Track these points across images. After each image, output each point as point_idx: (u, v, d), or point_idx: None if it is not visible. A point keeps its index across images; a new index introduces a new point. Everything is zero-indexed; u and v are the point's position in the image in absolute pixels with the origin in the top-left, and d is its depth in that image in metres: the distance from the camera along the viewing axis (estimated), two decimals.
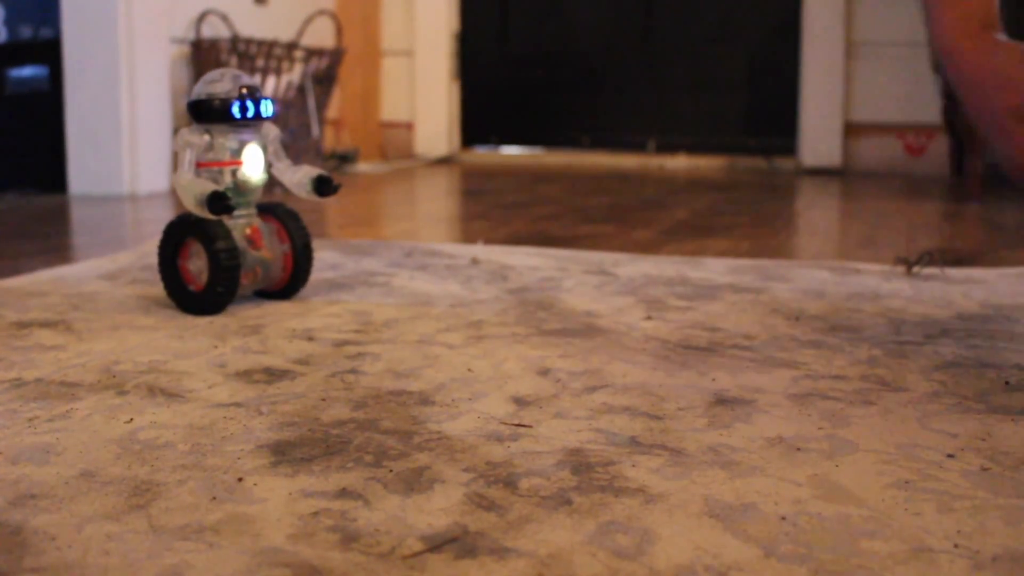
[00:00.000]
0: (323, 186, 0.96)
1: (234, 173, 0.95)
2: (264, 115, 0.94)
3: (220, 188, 0.91)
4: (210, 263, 0.91)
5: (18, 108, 2.35)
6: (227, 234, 0.92)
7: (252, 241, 0.96)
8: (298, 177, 0.97)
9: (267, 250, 0.97)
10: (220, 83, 0.93)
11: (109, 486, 0.51)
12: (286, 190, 0.99)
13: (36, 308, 0.95)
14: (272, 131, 0.98)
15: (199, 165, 0.94)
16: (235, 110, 0.92)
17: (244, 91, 0.93)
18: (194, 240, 0.93)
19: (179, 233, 0.94)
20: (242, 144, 0.95)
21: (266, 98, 0.95)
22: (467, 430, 0.60)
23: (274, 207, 0.99)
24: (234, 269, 0.92)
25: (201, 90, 0.93)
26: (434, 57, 3.35)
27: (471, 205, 2.06)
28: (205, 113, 0.93)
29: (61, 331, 0.86)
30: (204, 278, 0.93)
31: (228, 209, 0.91)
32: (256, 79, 2.34)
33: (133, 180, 2.19)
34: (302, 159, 2.43)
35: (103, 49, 2.15)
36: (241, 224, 0.95)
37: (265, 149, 0.97)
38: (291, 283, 0.99)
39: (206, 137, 0.93)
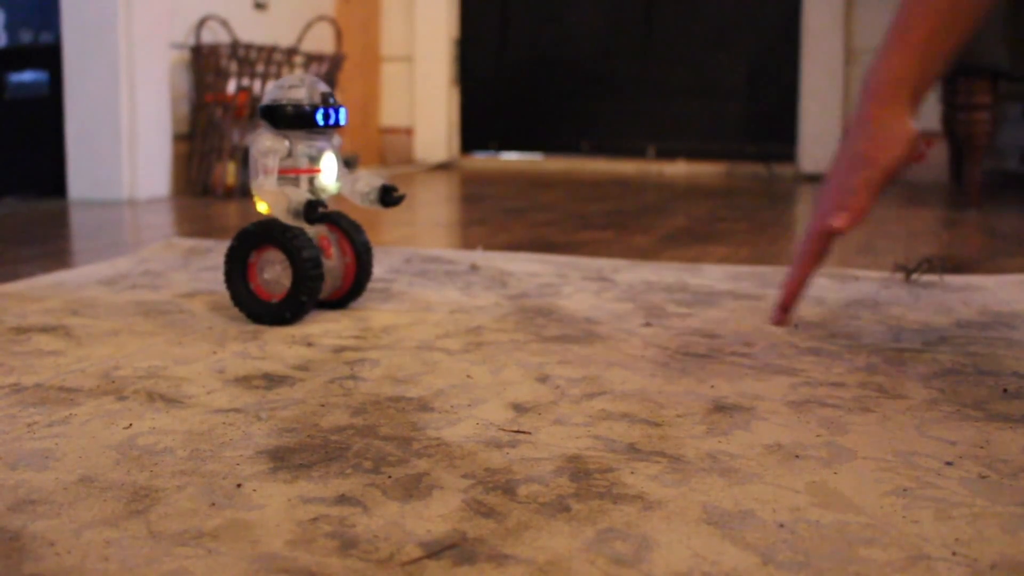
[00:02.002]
0: (388, 196, 0.95)
1: (311, 181, 0.93)
2: (342, 123, 0.93)
3: (311, 197, 0.90)
4: (296, 272, 0.90)
5: (18, 113, 2.35)
6: (311, 243, 0.90)
7: (323, 250, 0.95)
8: (360, 186, 0.95)
9: (334, 259, 0.96)
10: (300, 88, 0.91)
11: (108, 492, 0.51)
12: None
13: (35, 313, 0.95)
14: (336, 139, 0.96)
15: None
16: (319, 117, 0.91)
17: (324, 98, 0.92)
18: (269, 248, 0.91)
19: (254, 242, 0.92)
20: (320, 152, 0.93)
21: (342, 106, 0.94)
22: (466, 436, 0.60)
23: (337, 217, 0.97)
24: (319, 279, 0.90)
25: (279, 95, 0.91)
26: (434, 63, 3.35)
27: (470, 211, 2.06)
28: (284, 119, 0.91)
29: (60, 336, 0.86)
30: (281, 287, 0.91)
31: (324, 218, 0.90)
32: (258, 84, 2.34)
33: (132, 185, 2.19)
34: None
35: (103, 54, 2.15)
36: (313, 233, 0.94)
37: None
38: (349, 293, 0.99)
39: (286, 143, 0.91)
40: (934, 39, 0.86)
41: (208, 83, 2.31)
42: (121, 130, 2.16)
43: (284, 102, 0.91)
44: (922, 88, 0.86)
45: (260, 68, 2.34)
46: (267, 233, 0.91)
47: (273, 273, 0.92)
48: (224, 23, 2.41)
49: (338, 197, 0.98)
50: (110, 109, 2.16)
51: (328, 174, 0.94)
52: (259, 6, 2.64)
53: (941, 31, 0.86)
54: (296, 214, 0.90)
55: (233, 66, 2.31)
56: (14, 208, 2.00)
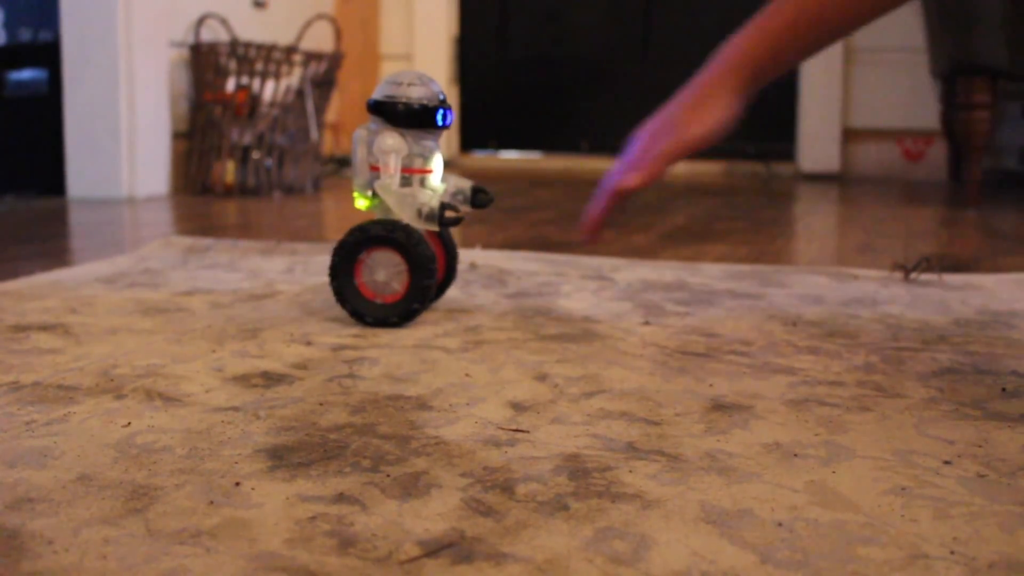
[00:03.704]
0: (477, 197, 0.95)
1: (422, 182, 0.91)
2: (451, 124, 0.91)
3: (441, 200, 0.89)
4: (415, 278, 0.89)
5: (17, 111, 2.35)
6: (432, 251, 0.89)
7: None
8: (448, 188, 0.94)
9: None
10: (417, 87, 0.88)
11: (106, 490, 0.51)
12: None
13: (34, 311, 0.95)
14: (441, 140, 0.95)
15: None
16: (439, 117, 0.89)
17: (440, 97, 0.89)
18: (384, 249, 0.90)
19: (371, 241, 0.90)
20: (431, 152, 0.91)
21: (450, 108, 0.91)
22: (464, 435, 0.60)
23: None
24: (432, 288, 0.90)
25: (395, 92, 0.88)
26: (433, 61, 3.35)
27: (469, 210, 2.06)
28: (399, 116, 0.88)
29: (59, 334, 0.86)
30: (390, 289, 0.90)
31: (459, 220, 0.89)
32: (257, 83, 2.34)
33: (131, 184, 2.19)
34: (301, 162, 2.43)
35: (102, 52, 2.15)
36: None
37: None
38: (443, 284, 0.98)
39: (405, 143, 0.89)
40: (791, 32, 0.88)
41: (207, 81, 2.31)
42: (120, 128, 2.16)
43: (402, 99, 0.88)
44: (764, 76, 0.89)
45: (259, 67, 2.33)
46: (389, 233, 0.89)
47: (385, 274, 0.90)
48: (223, 21, 2.40)
49: None
50: (109, 107, 2.16)
51: (438, 175, 0.92)
52: (258, 4, 2.64)
53: (801, 26, 0.88)
54: (429, 217, 0.89)
55: (232, 64, 2.31)
56: (13, 206, 2.00)
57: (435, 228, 0.90)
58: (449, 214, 0.91)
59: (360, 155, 0.91)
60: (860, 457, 0.57)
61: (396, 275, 0.90)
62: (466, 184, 0.95)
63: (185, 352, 0.80)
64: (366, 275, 0.91)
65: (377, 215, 0.92)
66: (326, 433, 0.60)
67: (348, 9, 3.14)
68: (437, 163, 0.92)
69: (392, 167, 0.89)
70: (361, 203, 0.92)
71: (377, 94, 0.89)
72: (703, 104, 0.88)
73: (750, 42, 0.89)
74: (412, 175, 0.90)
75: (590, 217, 0.90)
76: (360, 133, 0.91)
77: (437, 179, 0.92)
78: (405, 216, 0.90)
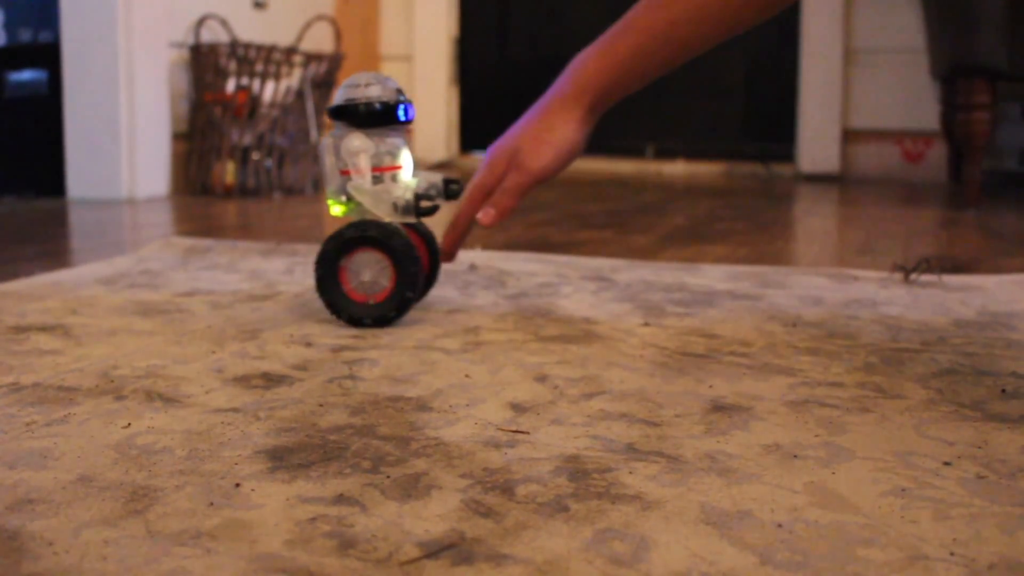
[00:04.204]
0: (451, 187, 0.95)
1: (393, 178, 0.92)
2: (413, 118, 0.92)
3: (415, 191, 0.90)
4: (399, 268, 0.89)
5: (17, 112, 2.35)
6: (409, 239, 0.90)
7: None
8: (421, 182, 0.94)
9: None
10: (374, 86, 0.89)
11: (106, 491, 0.51)
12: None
13: (34, 312, 0.95)
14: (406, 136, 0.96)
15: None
16: (400, 113, 0.90)
17: (399, 94, 0.90)
18: (362, 250, 0.90)
19: (351, 244, 0.90)
20: (398, 148, 0.92)
21: (411, 102, 0.92)
22: (464, 436, 0.60)
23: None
24: (420, 274, 0.90)
25: (354, 95, 0.89)
26: (433, 62, 3.35)
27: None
28: (361, 117, 0.89)
29: (59, 335, 0.86)
30: (379, 287, 0.90)
31: (435, 210, 0.90)
32: (257, 84, 2.34)
33: (132, 184, 2.19)
34: (301, 163, 2.43)
35: (102, 53, 2.15)
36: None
37: None
38: (424, 287, 0.99)
39: (372, 142, 0.90)
40: (638, 56, 0.88)
41: (207, 82, 2.31)
42: (120, 129, 2.16)
43: (361, 100, 0.89)
44: (610, 100, 0.90)
45: (259, 67, 2.33)
46: (363, 233, 0.90)
47: (371, 274, 0.91)
48: (223, 22, 2.41)
49: None
50: (109, 108, 2.16)
51: (408, 169, 0.93)
52: (258, 5, 2.64)
53: (648, 51, 0.88)
54: (405, 210, 0.90)
55: (232, 65, 2.31)
56: (13, 207, 2.00)
57: (412, 219, 0.91)
58: (425, 204, 0.91)
59: (329, 162, 0.92)
60: (860, 458, 0.57)
61: (381, 271, 0.90)
62: (437, 178, 0.95)
63: (185, 353, 0.80)
64: (352, 280, 0.91)
65: (354, 219, 0.92)
66: (326, 434, 0.60)
67: (348, 10, 3.15)
68: (406, 159, 0.93)
69: (363, 167, 0.90)
70: (336, 210, 0.93)
71: (337, 99, 0.90)
72: (549, 131, 0.89)
73: (595, 67, 0.89)
74: (383, 173, 0.91)
75: (447, 244, 0.95)
76: (326, 141, 0.92)
77: (408, 174, 0.93)
78: (381, 212, 0.91)
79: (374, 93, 0.89)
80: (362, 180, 0.90)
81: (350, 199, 0.92)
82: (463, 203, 0.92)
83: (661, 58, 0.88)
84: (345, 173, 0.91)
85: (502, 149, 0.90)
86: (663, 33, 0.87)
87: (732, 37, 0.88)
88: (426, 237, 0.98)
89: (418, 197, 0.90)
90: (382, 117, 0.89)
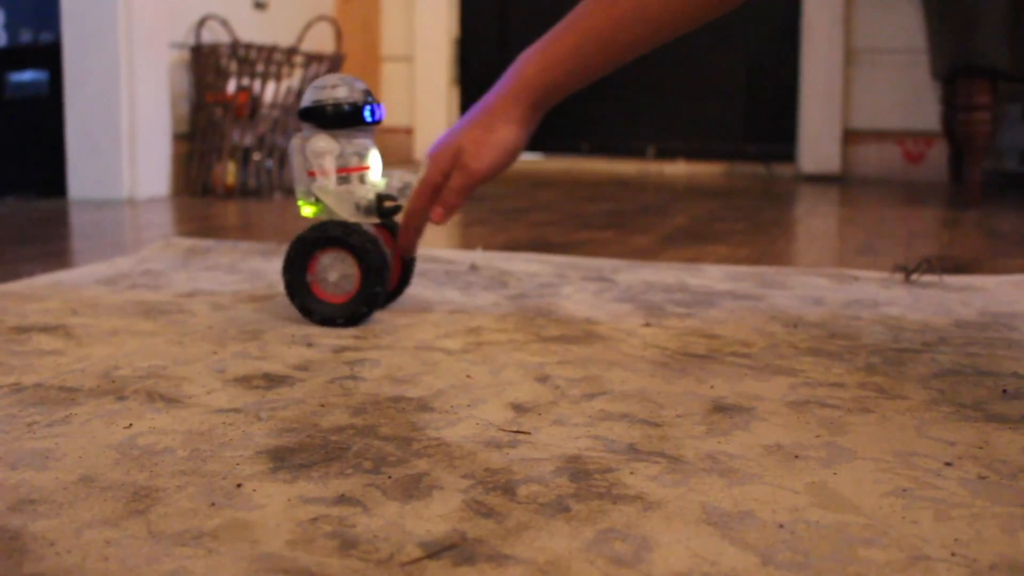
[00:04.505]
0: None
1: (361, 179, 0.92)
2: (383, 118, 0.93)
3: (378, 191, 0.91)
4: (364, 264, 0.90)
5: (18, 112, 2.35)
6: (372, 234, 0.91)
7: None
8: (393, 183, 0.95)
9: (387, 254, 0.96)
10: (340, 88, 0.90)
11: (108, 491, 0.51)
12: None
13: (35, 313, 0.95)
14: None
15: None
16: (367, 113, 0.90)
17: (365, 95, 0.91)
18: (328, 251, 0.91)
19: (314, 245, 0.91)
20: (365, 149, 0.92)
21: (380, 103, 0.93)
22: (466, 437, 0.60)
23: None
24: (387, 267, 0.90)
25: (321, 96, 0.90)
26: (434, 63, 3.35)
27: (470, 211, 2.06)
28: (328, 118, 0.90)
29: (60, 336, 0.86)
30: (349, 285, 0.91)
31: (397, 209, 0.90)
32: (258, 84, 2.34)
33: (132, 185, 2.19)
34: None
35: (103, 54, 2.15)
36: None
37: None
38: (394, 292, 0.99)
39: (338, 143, 0.91)
40: (580, 56, 0.89)
41: (208, 83, 2.31)
42: (121, 130, 2.17)
43: (328, 102, 0.90)
44: (551, 100, 0.91)
45: (260, 68, 2.34)
46: (345, 235, 0.90)
47: (337, 273, 0.91)
48: (224, 23, 2.41)
49: None
50: (110, 109, 2.16)
51: (376, 170, 0.94)
52: (259, 6, 2.64)
53: (590, 51, 0.88)
54: (368, 210, 0.91)
55: (233, 66, 2.31)
56: (14, 208, 2.01)
57: (375, 220, 0.92)
58: (388, 204, 0.92)
59: (298, 163, 0.92)
60: (861, 459, 0.57)
61: (347, 277, 0.91)
62: (412, 177, 0.96)
63: (186, 354, 0.80)
64: (319, 273, 0.92)
65: (323, 219, 0.93)
66: (327, 435, 0.61)
67: (349, 10, 3.15)
68: (374, 159, 0.93)
69: (328, 168, 0.91)
70: (307, 211, 0.94)
71: (305, 101, 0.91)
72: (490, 132, 0.90)
73: (536, 66, 0.90)
74: (350, 174, 0.92)
75: (404, 241, 0.95)
76: (295, 142, 0.93)
77: (376, 175, 0.94)
78: (345, 213, 0.91)
79: (341, 94, 0.90)
80: (326, 181, 0.91)
81: (319, 200, 0.93)
82: (412, 201, 0.92)
83: (603, 58, 0.89)
84: (313, 174, 0.92)
85: (446, 147, 0.91)
86: (605, 34, 0.87)
87: (674, 39, 0.88)
88: (393, 231, 0.98)
89: (380, 197, 0.91)
90: (349, 118, 0.90)
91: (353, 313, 0.90)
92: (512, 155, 0.91)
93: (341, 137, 0.91)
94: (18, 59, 2.37)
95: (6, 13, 2.50)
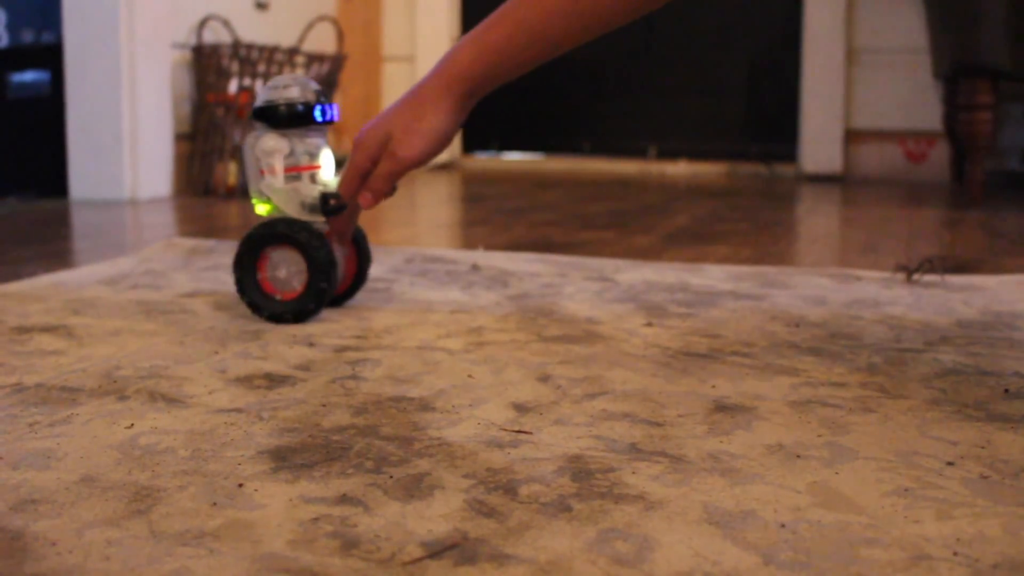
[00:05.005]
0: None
1: (312, 177, 0.94)
2: (336, 118, 0.94)
3: (322, 189, 0.92)
4: (310, 262, 0.91)
5: (20, 113, 2.36)
6: (320, 232, 0.92)
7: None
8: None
9: (337, 253, 0.96)
10: (292, 88, 0.91)
11: (110, 491, 0.51)
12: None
13: (37, 313, 0.95)
14: (327, 136, 0.97)
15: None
16: (317, 113, 0.91)
17: (318, 95, 0.92)
18: (277, 247, 0.92)
19: (262, 242, 0.92)
20: (317, 148, 0.94)
21: (334, 102, 0.95)
22: (467, 436, 0.60)
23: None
24: (334, 265, 0.91)
25: (273, 95, 0.91)
26: (435, 63, 3.35)
27: (472, 211, 2.06)
28: (280, 118, 0.91)
29: (62, 336, 0.86)
30: (296, 283, 0.92)
31: (342, 208, 0.91)
32: (259, 85, 2.34)
33: (134, 185, 2.19)
34: None
35: (105, 54, 2.15)
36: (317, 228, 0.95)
37: None
38: (349, 289, 1.00)
39: (287, 143, 0.92)
40: (511, 48, 0.89)
41: (210, 83, 2.31)
42: (122, 130, 2.17)
43: (280, 102, 0.91)
44: (482, 89, 0.92)
45: (262, 68, 2.34)
46: (274, 231, 0.91)
47: (286, 270, 0.92)
48: (226, 23, 2.41)
49: None
50: (111, 109, 2.16)
51: (327, 169, 0.95)
52: (260, 6, 2.64)
53: (521, 43, 0.89)
54: (312, 208, 0.92)
55: (235, 66, 2.31)
56: (15, 208, 2.01)
57: (320, 218, 0.93)
58: (333, 202, 0.92)
59: (250, 162, 0.93)
60: (863, 458, 0.57)
61: (296, 274, 0.92)
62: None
63: (188, 354, 0.80)
64: (269, 270, 0.93)
65: (275, 217, 0.94)
66: (329, 434, 0.61)
67: (350, 11, 3.15)
68: (325, 158, 0.95)
69: (276, 167, 0.92)
70: (261, 209, 0.95)
71: (258, 100, 0.92)
72: (418, 121, 0.91)
73: (467, 56, 0.90)
74: (301, 173, 0.93)
75: (337, 227, 0.95)
76: (248, 141, 0.94)
77: (328, 173, 0.95)
78: (291, 211, 0.92)
79: (293, 94, 0.91)
80: (273, 179, 0.92)
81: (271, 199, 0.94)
82: (341, 186, 0.93)
83: (534, 51, 0.89)
84: (264, 173, 0.93)
85: (374, 132, 0.92)
86: (536, 26, 0.88)
87: (604, 33, 0.89)
88: (359, 243, 0.99)
89: (325, 196, 0.92)
90: (301, 118, 0.91)
91: (301, 310, 0.91)
92: (441, 143, 0.92)
93: (293, 136, 0.92)
94: (20, 59, 2.37)
95: (8, 13, 2.50)
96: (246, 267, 0.93)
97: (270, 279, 0.93)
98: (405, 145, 0.90)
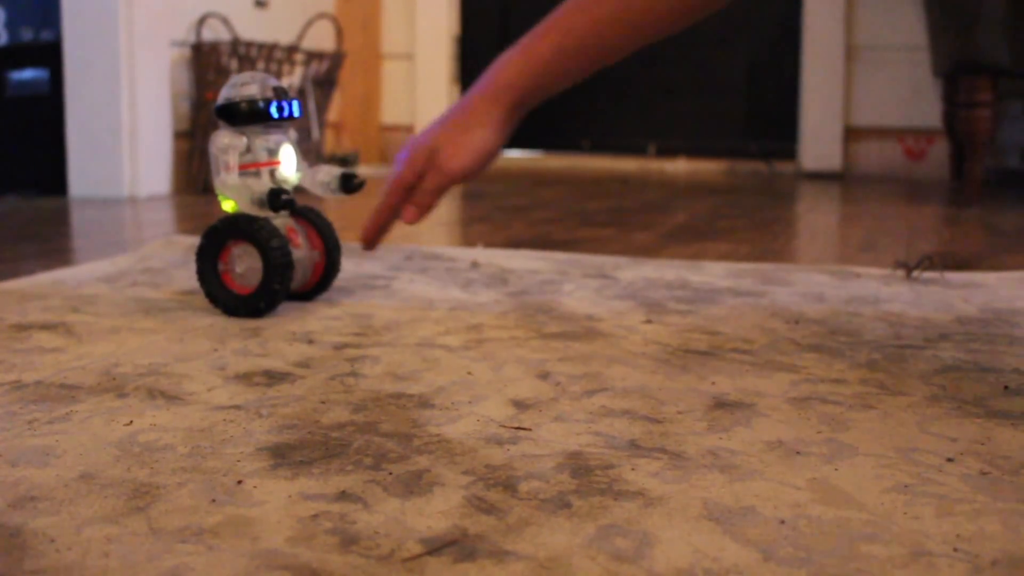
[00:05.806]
0: (349, 182, 0.97)
1: (272, 173, 0.95)
2: (296, 115, 0.95)
3: (273, 186, 0.93)
4: (265, 261, 0.91)
5: (19, 111, 2.35)
6: (278, 232, 0.92)
7: (290, 240, 0.96)
8: (320, 176, 0.98)
9: (302, 250, 0.97)
10: (251, 85, 0.93)
11: (109, 488, 0.51)
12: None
13: (36, 310, 0.95)
14: (291, 132, 0.98)
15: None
16: (273, 110, 0.92)
17: (276, 92, 0.93)
18: (239, 242, 0.93)
19: (224, 236, 0.94)
20: (277, 144, 0.95)
21: (296, 99, 0.95)
22: (467, 433, 0.60)
23: (305, 210, 0.99)
24: (289, 266, 0.92)
25: (232, 93, 0.93)
26: (434, 60, 3.35)
27: (471, 208, 2.06)
28: (240, 115, 0.93)
29: (61, 333, 0.86)
30: (253, 279, 0.93)
31: (289, 204, 0.92)
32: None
33: (133, 183, 2.19)
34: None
35: (104, 52, 2.15)
36: (279, 224, 0.95)
37: None
38: (319, 285, 1.00)
39: (244, 139, 0.93)
40: (560, 57, 0.88)
41: (209, 81, 2.31)
42: (122, 128, 2.16)
43: (238, 100, 0.92)
44: (530, 101, 0.90)
45: (261, 66, 2.33)
46: (233, 227, 0.93)
47: (245, 266, 0.93)
48: (225, 21, 2.41)
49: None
50: (111, 107, 2.16)
51: (287, 165, 0.96)
52: (260, 4, 2.64)
53: (570, 52, 0.87)
54: (261, 203, 0.93)
55: (234, 64, 2.31)
56: (15, 206, 2.01)
57: (270, 213, 0.94)
58: (284, 197, 0.93)
59: (214, 159, 0.95)
60: (863, 455, 0.57)
61: (253, 270, 0.93)
62: (336, 171, 0.98)
63: (187, 351, 0.80)
64: (230, 263, 0.94)
65: (239, 212, 0.95)
66: (328, 431, 0.60)
67: (349, 8, 3.14)
68: (286, 154, 0.96)
69: (231, 164, 0.93)
70: (226, 205, 0.96)
71: (219, 99, 0.94)
72: (466, 133, 0.89)
73: (514, 68, 0.89)
74: (260, 169, 0.95)
75: (366, 231, 0.95)
76: (212, 139, 0.95)
77: (289, 169, 0.96)
78: (244, 207, 0.94)
79: (251, 92, 0.92)
80: (227, 176, 0.94)
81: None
82: (385, 197, 0.93)
83: (584, 60, 0.88)
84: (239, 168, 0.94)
85: (421, 146, 0.91)
86: (586, 35, 0.87)
87: (656, 41, 0.88)
88: (323, 229, 0.99)
89: (273, 192, 0.92)
90: (259, 115, 0.92)
91: (254, 307, 0.92)
92: (488, 157, 0.91)
93: (252, 133, 0.93)
94: (19, 57, 2.37)
95: (7, 11, 2.50)
96: (207, 258, 0.94)
97: (230, 272, 0.94)
98: (452, 159, 0.89)
